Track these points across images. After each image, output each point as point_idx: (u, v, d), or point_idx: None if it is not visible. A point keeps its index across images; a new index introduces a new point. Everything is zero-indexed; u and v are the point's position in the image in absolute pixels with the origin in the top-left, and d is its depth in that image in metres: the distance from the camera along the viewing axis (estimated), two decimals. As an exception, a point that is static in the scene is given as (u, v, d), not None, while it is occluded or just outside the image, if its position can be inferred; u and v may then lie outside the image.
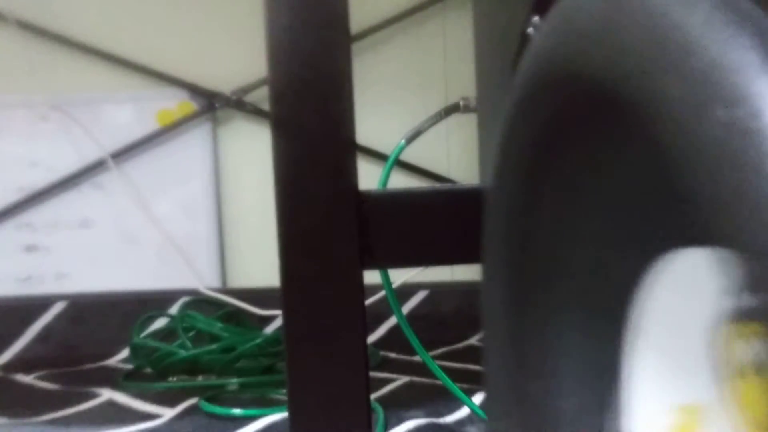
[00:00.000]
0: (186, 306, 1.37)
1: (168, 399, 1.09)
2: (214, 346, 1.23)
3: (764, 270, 0.23)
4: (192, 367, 1.22)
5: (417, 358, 1.06)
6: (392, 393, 1.09)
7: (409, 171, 1.48)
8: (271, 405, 1.03)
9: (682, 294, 0.39)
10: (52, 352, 1.37)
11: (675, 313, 0.40)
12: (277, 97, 0.60)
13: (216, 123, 1.51)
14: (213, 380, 1.18)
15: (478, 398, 0.91)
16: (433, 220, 0.63)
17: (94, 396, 1.13)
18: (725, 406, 0.36)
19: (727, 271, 0.25)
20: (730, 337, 0.35)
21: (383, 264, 0.66)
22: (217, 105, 1.49)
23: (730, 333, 0.35)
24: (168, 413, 1.04)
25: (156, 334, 1.33)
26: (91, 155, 1.47)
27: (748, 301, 0.32)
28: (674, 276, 0.39)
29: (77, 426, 1.01)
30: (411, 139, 0.75)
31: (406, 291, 1.39)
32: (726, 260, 0.25)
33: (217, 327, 1.28)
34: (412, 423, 0.93)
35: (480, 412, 0.86)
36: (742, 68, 0.24)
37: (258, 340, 1.24)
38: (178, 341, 1.25)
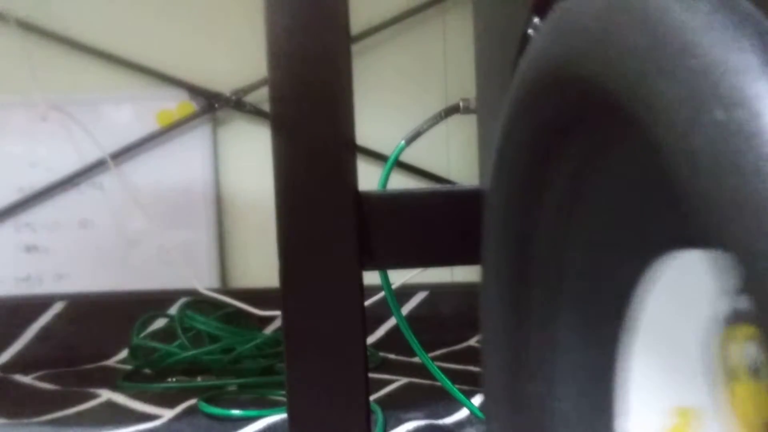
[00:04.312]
0: (185, 306, 1.37)
1: (167, 400, 1.09)
2: (213, 347, 1.23)
3: (761, 273, 0.23)
4: (191, 368, 1.22)
5: (416, 360, 1.06)
6: (391, 394, 1.09)
7: (409, 172, 1.48)
8: (270, 406, 1.03)
9: (678, 296, 0.39)
10: (51, 352, 1.37)
11: (672, 315, 0.40)
12: (277, 98, 0.60)
13: (216, 123, 1.51)
14: (212, 381, 1.18)
15: (477, 400, 0.90)
16: (433, 221, 0.63)
17: (93, 396, 1.13)
18: (721, 408, 0.36)
19: (723, 274, 0.25)
20: (725, 339, 0.35)
21: (383, 265, 0.66)
22: (216, 105, 1.49)
23: (725, 336, 0.35)
24: (167, 414, 1.04)
25: (155, 335, 1.33)
26: (90, 155, 1.47)
27: (743, 303, 0.32)
28: (671, 278, 0.39)
29: (76, 426, 1.01)
30: (411, 140, 0.75)
31: (406, 292, 1.39)
32: (721, 263, 0.25)
33: (217, 327, 1.28)
34: (411, 424, 0.93)
35: (479, 413, 0.86)
36: (742, 70, 0.24)
37: (257, 341, 1.24)
38: (178, 342, 1.25)
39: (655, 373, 0.41)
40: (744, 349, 0.34)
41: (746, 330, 0.34)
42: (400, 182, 1.45)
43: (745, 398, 0.34)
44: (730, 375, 0.35)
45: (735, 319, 0.34)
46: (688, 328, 0.38)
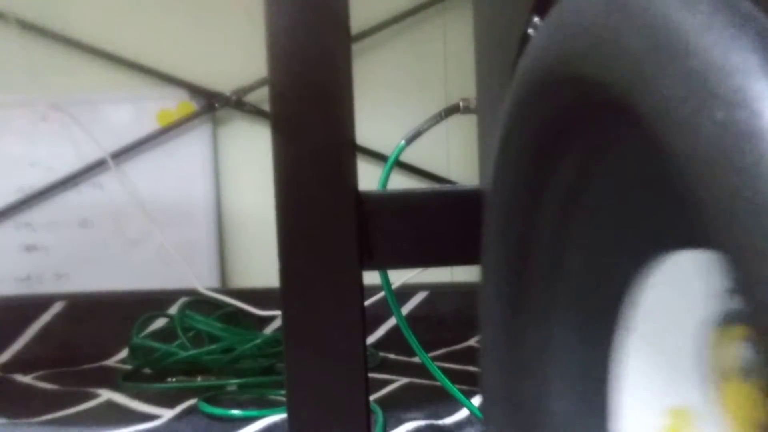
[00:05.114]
0: (185, 306, 1.37)
1: (167, 399, 1.09)
2: (213, 347, 1.23)
3: (758, 273, 0.22)
4: (191, 368, 1.22)
5: (416, 360, 1.06)
6: (391, 394, 1.09)
7: (409, 172, 1.48)
8: (270, 406, 1.03)
9: (674, 297, 0.39)
10: (51, 352, 1.37)
11: (667, 316, 0.40)
12: (277, 98, 0.60)
13: (216, 123, 1.51)
14: (212, 381, 1.18)
15: (477, 400, 0.90)
16: (433, 221, 0.63)
17: (93, 396, 1.13)
18: (715, 408, 0.36)
19: (717, 274, 0.25)
20: (719, 339, 0.35)
21: (383, 265, 0.66)
22: (217, 105, 1.49)
23: (718, 336, 0.35)
24: (167, 414, 1.04)
25: (155, 334, 1.33)
26: (90, 155, 1.47)
27: (736, 304, 0.32)
28: (667, 279, 0.39)
29: (76, 426, 1.01)
30: (411, 139, 0.75)
31: (406, 292, 1.39)
32: (717, 263, 0.25)
33: (217, 327, 1.28)
34: (411, 424, 0.93)
35: (479, 413, 0.86)
36: (742, 70, 0.24)
37: (257, 341, 1.24)
38: (178, 341, 1.25)
39: (651, 373, 0.41)
40: (737, 349, 0.34)
41: (740, 330, 0.34)
42: (400, 182, 1.45)
43: (738, 399, 0.34)
44: (724, 375, 0.35)
45: (729, 319, 0.34)
46: (684, 329, 0.38)
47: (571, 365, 0.44)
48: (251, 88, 1.48)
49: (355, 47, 1.27)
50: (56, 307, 1.41)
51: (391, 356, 1.30)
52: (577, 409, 0.44)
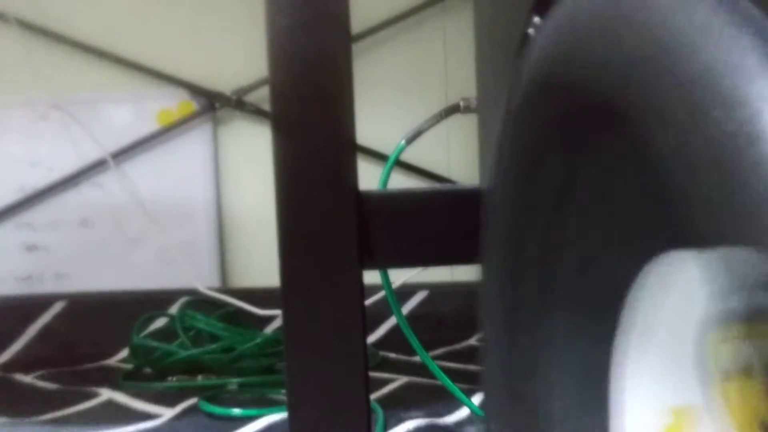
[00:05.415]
0: (186, 306, 1.37)
1: (167, 399, 1.09)
2: (213, 346, 1.23)
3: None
4: (191, 367, 1.22)
5: (416, 359, 1.06)
6: (392, 393, 1.09)
7: (409, 171, 1.48)
8: (270, 405, 1.03)
9: (674, 296, 0.39)
10: (51, 351, 1.37)
11: (667, 315, 0.40)
12: (277, 97, 0.60)
13: (216, 123, 1.51)
14: (213, 380, 1.18)
15: (477, 398, 0.91)
16: (433, 221, 0.63)
17: (93, 396, 1.13)
18: (715, 407, 0.36)
19: (717, 273, 0.25)
20: (717, 339, 0.35)
21: (383, 264, 0.67)
22: (217, 105, 1.49)
23: (717, 335, 0.35)
24: (167, 413, 1.04)
25: (156, 334, 1.33)
26: (91, 155, 1.47)
27: (735, 303, 0.33)
28: (666, 278, 0.39)
29: (76, 426, 1.01)
30: (411, 139, 0.75)
31: (406, 291, 1.39)
32: (713, 262, 0.25)
33: (217, 327, 1.28)
34: (411, 423, 0.93)
35: (479, 412, 0.86)
36: (741, 70, 0.24)
37: (258, 340, 1.24)
38: (178, 341, 1.25)
39: (651, 372, 0.41)
40: (736, 348, 0.34)
41: (738, 329, 0.34)
42: (401, 182, 1.45)
43: (738, 397, 0.34)
44: (723, 374, 0.35)
45: (727, 318, 0.34)
46: (684, 328, 0.38)
47: (571, 364, 0.44)
48: (251, 88, 1.48)
49: (355, 47, 1.27)
50: (56, 307, 1.41)
51: (392, 355, 1.30)
52: (578, 408, 0.44)
